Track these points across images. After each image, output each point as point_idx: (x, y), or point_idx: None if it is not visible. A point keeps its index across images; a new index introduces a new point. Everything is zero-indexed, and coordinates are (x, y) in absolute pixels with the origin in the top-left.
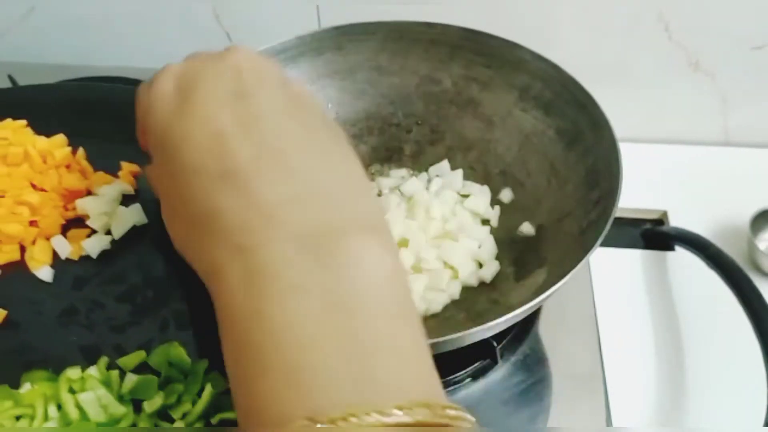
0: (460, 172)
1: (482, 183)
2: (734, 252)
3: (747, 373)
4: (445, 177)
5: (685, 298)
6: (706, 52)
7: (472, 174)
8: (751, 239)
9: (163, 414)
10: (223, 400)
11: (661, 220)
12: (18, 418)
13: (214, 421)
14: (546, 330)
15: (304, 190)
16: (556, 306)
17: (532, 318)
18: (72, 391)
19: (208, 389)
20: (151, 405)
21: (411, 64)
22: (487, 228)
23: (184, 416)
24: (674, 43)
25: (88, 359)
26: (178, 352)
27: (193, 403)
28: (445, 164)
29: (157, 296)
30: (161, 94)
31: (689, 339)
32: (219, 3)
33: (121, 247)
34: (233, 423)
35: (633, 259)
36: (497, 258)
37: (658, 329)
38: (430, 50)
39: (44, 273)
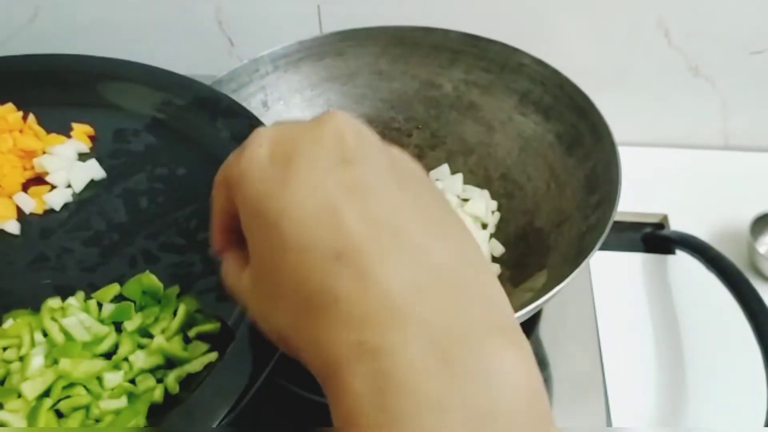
0: (459, 176)
1: (482, 187)
2: (734, 255)
3: (747, 376)
4: (445, 181)
5: (686, 302)
6: (705, 57)
7: (473, 178)
8: (751, 243)
9: (143, 332)
10: (196, 317)
11: (661, 224)
12: (5, 349)
13: (191, 334)
14: (546, 333)
15: (428, 276)
16: (556, 309)
17: (532, 321)
18: (54, 320)
19: (183, 308)
20: (132, 324)
21: (411, 69)
22: (486, 232)
23: (162, 332)
24: (674, 48)
25: (64, 297)
26: (150, 280)
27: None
28: (444, 168)
29: (123, 238)
30: (255, 162)
31: (689, 342)
32: (221, 9)
33: (82, 199)
34: (210, 336)
35: (633, 262)
36: (497, 261)
37: (659, 332)
38: (430, 55)
39: (11, 226)
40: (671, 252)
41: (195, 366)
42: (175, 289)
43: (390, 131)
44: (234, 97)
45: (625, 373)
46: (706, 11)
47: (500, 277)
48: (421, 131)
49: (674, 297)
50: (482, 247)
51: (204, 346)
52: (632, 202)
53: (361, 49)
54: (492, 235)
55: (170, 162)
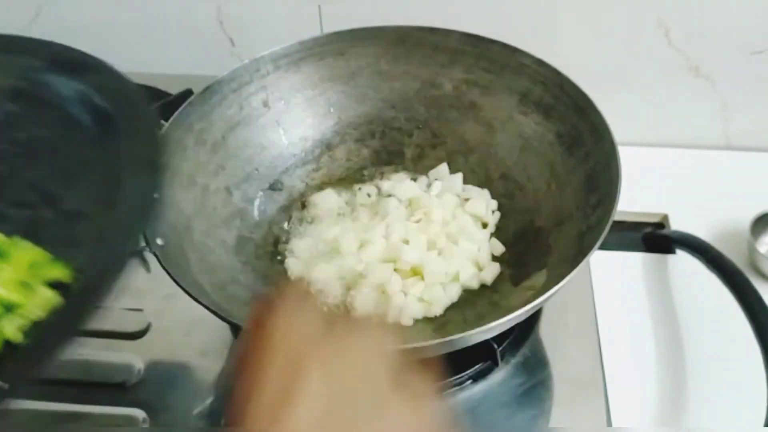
0: (459, 175)
1: (483, 186)
2: (734, 255)
3: (747, 376)
4: (445, 180)
5: (686, 301)
6: (706, 57)
7: (473, 177)
8: (752, 242)
9: None
10: (44, 265)
11: (661, 224)
12: None
13: (37, 281)
14: (547, 332)
15: None
16: (556, 308)
17: (532, 320)
18: None
19: (27, 256)
20: None
21: (412, 68)
22: (486, 231)
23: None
24: (674, 49)
25: None
26: None
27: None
28: (443, 168)
29: None
30: (262, 372)
31: (689, 341)
32: (222, 9)
33: None
34: (63, 285)
35: (634, 262)
36: (497, 260)
37: (659, 332)
38: (431, 55)
39: None
40: (671, 251)
41: (35, 312)
42: (20, 241)
43: (391, 131)
44: (235, 96)
45: (625, 372)
46: (706, 12)
47: (500, 276)
48: (421, 131)
49: (674, 296)
50: (483, 246)
51: (49, 293)
52: (632, 201)
53: (362, 48)
54: (492, 235)
55: (31, 126)
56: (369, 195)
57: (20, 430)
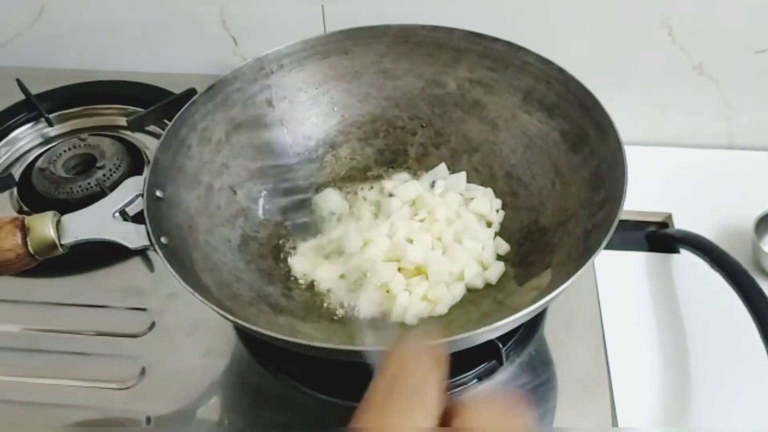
0: (463, 174)
1: (487, 185)
2: (739, 254)
3: (752, 375)
4: (448, 180)
5: (690, 301)
6: (709, 56)
7: (477, 176)
8: (756, 241)
9: None
10: None
11: (665, 223)
12: None
13: None
14: (551, 332)
15: None
16: (561, 308)
17: (537, 320)
18: None
19: None
20: None
21: (416, 67)
22: (491, 230)
23: None
24: (678, 48)
25: None
26: None
27: None
28: (442, 168)
29: None
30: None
31: (694, 341)
32: (225, 8)
33: None
34: None
35: (638, 261)
36: (502, 259)
37: (663, 331)
38: (434, 54)
39: None
40: (675, 251)
41: None
42: None
43: (394, 129)
44: (239, 95)
45: (631, 372)
46: (709, 10)
47: (505, 276)
48: (425, 130)
49: (679, 296)
50: (487, 245)
51: None
52: (636, 201)
53: (366, 47)
54: (497, 233)
55: None
56: (365, 198)
57: (21, 430)
